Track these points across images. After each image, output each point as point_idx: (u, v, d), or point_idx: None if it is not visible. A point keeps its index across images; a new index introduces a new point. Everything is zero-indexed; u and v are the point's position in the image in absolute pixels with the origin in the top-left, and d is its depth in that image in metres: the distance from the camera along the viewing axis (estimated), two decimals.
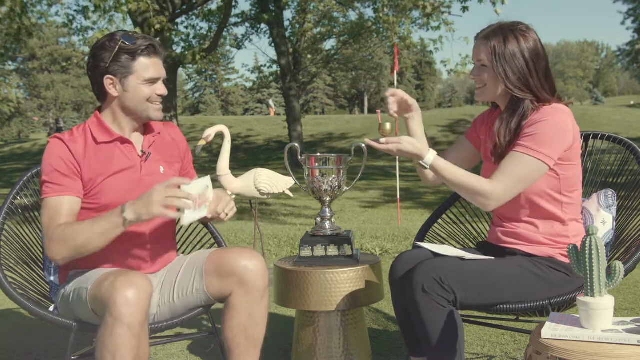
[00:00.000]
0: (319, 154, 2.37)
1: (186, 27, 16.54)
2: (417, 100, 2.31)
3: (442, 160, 2.07)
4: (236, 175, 3.76)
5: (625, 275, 1.74)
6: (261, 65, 20.42)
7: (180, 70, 13.34)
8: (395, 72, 7.29)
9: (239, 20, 17.72)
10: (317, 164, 2.37)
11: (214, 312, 2.27)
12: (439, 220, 2.70)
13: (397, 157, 7.80)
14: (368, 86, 63.23)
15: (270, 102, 39.56)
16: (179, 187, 1.93)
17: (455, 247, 2.48)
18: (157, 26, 10.35)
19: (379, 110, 2.21)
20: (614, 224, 2.39)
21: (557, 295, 2.08)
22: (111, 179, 2.10)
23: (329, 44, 21.09)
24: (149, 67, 2.11)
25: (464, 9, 12.25)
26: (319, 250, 2.35)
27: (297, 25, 18.13)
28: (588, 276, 1.57)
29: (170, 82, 11.78)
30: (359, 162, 2.46)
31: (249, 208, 7.26)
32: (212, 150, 17.55)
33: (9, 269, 2.30)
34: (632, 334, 1.50)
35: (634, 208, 2.40)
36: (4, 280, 2.17)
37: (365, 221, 7.54)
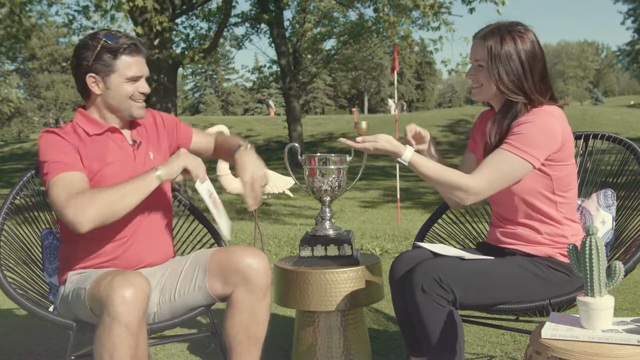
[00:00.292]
0: (319, 154, 2.37)
1: (186, 27, 16.54)
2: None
3: (420, 157, 2.08)
4: (236, 176, 3.76)
5: (625, 275, 1.74)
6: (261, 66, 20.42)
7: (180, 69, 13.33)
8: (395, 72, 7.29)
9: (239, 20, 17.71)
10: (317, 164, 2.37)
11: (214, 312, 2.27)
12: (439, 220, 2.70)
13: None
14: (368, 86, 63.20)
15: (270, 102, 39.57)
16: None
17: (455, 247, 2.48)
18: (158, 26, 10.35)
19: (354, 109, 2.22)
20: (614, 223, 2.40)
21: (557, 295, 2.08)
22: (107, 169, 2.11)
23: (329, 44, 21.10)
24: (131, 65, 2.13)
25: (471, 10, 12.24)
26: (319, 250, 2.35)
27: (297, 25, 18.13)
28: (588, 276, 1.57)
29: (170, 82, 11.77)
30: (359, 162, 2.46)
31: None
32: None
33: (8, 269, 2.30)
34: (632, 334, 1.50)
35: (633, 208, 2.40)
36: (3, 280, 2.17)
37: (365, 221, 7.54)
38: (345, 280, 2.29)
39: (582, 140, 2.64)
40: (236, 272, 2.06)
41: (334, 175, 2.36)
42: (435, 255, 2.14)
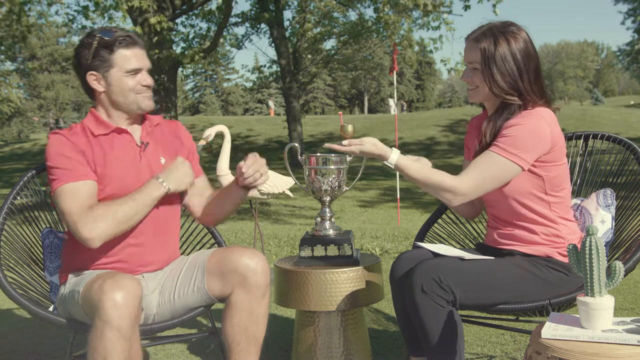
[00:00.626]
0: (319, 154, 2.37)
1: (186, 27, 16.54)
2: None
3: (406, 159, 2.07)
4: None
5: (625, 275, 1.74)
6: (261, 66, 20.41)
7: (180, 69, 13.33)
8: (395, 72, 7.29)
9: (239, 20, 17.71)
10: (317, 164, 2.37)
11: (214, 312, 2.28)
12: (439, 220, 2.70)
13: None
14: (368, 86, 63.20)
15: (270, 103, 39.54)
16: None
17: (455, 247, 2.48)
18: (157, 26, 10.35)
19: (340, 112, 2.21)
20: (613, 223, 2.40)
21: (556, 295, 2.08)
22: (113, 170, 2.10)
23: (329, 44, 21.11)
24: (129, 58, 2.12)
25: (466, 7, 12.23)
26: (319, 250, 2.35)
27: (297, 25, 18.12)
28: (588, 276, 1.57)
29: (171, 82, 11.78)
30: (359, 162, 2.46)
31: (249, 208, 7.25)
32: (212, 150, 17.55)
33: (9, 269, 2.30)
34: (632, 334, 1.50)
35: (633, 208, 2.40)
36: (4, 280, 2.17)
37: (365, 221, 7.54)
38: (345, 280, 2.29)
39: (582, 140, 2.64)
40: (235, 273, 2.06)
41: (334, 175, 2.36)
42: (435, 255, 2.15)
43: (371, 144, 2.06)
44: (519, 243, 2.16)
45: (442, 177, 2.04)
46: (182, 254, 2.51)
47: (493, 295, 2.05)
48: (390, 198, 9.66)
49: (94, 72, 2.12)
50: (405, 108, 48.73)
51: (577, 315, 1.60)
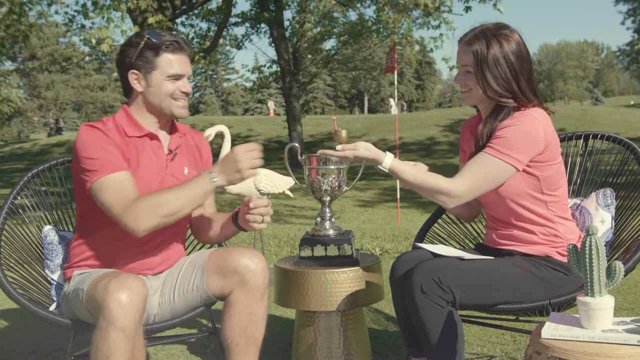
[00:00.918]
0: (318, 153, 2.37)
1: (186, 27, 16.54)
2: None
3: (400, 163, 2.07)
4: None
5: (625, 275, 1.74)
6: (261, 65, 20.42)
7: None
8: (394, 72, 7.29)
9: (239, 20, 17.72)
10: (317, 164, 2.37)
11: (214, 312, 2.28)
12: (439, 220, 2.70)
13: (397, 157, 7.81)
14: (368, 86, 63.20)
15: (270, 103, 39.54)
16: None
17: (455, 247, 2.48)
18: (156, 25, 10.34)
19: (334, 117, 2.21)
20: (613, 223, 2.40)
21: (556, 295, 2.08)
22: (140, 173, 2.10)
23: (329, 44, 21.12)
24: (173, 63, 2.12)
25: (467, 8, 12.23)
26: (319, 250, 2.35)
27: (297, 25, 18.13)
28: (588, 276, 1.57)
29: None
30: (358, 162, 2.46)
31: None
32: (212, 150, 17.54)
33: (9, 269, 2.30)
34: (632, 334, 1.50)
35: (633, 208, 2.40)
36: (4, 280, 2.17)
37: (365, 221, 7.54)
38: (345, 280, 2.29)
39: (582, 140, 2.64)
40: (234, 273, 2.06)
41: (334, 175, 2.36)
42: (435, 255, 2.15)
43: (365, 149, 2.06)
44: (518, 243, 2.16)
45: (436, 180, 2.04)
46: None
47: (493, 295, 2.05)
48: (390, 198, 9.66)
49: (135, 71, 2.12)
50: (405, 108, 48.74)
51: (577, 315, 1.61)
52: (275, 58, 17.53)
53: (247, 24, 18.30)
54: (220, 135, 3.76)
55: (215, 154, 2.37)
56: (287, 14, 57.60)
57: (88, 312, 1.97)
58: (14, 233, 2.41)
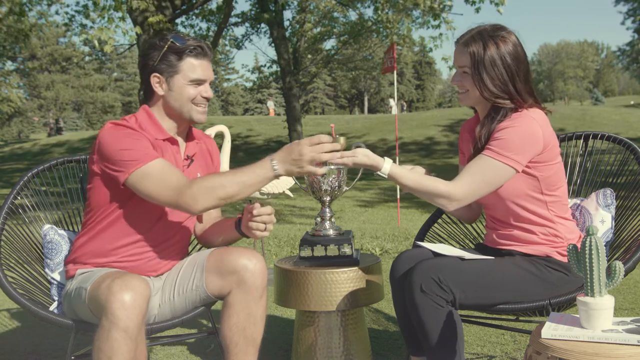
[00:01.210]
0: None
1: (186, 27, 16.54)
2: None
3: (399, 168, 2.08)
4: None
5: (625, 275, 1.74)
6: (261, 65, 20.42)
7: None
8: (395, 71, 7.29)
9: (239, 20, 17.72)
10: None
11: (214, 312, 2.28)
12: (439, 220, 2.70)
13: (397, 157, 7.81)
14: (368, 86, 63.20)
15: (270, 103, 39.50)
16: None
17: (455, 247, 2.48)
18: (156, 26, 10.35)
19: (332, 125, 2.21)
20: (613, 223, 2.40)
21: (556, 295, 2.08)
22: None
23: (329, 44, 21.11)
24: (196, 67, 2.12)
25: (477, 9, 12.24)
26: (319, 250, 2.35)
27: (297, 25, 18.13)
28: (588, 276, 1.57)
29: None
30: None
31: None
32: None
33: (9, 269, 2.30)
34: (632, 334, 1.50)
35: (633, 208, 2.40)
36: (4, 280, 2.17)
37: (365, 221, 7.54)
38: (345, 280, 2.29)
39: (582, 140, 2.64)
40: (232, 273, 2.06)
41: (334, 175, 2.35)
42: (436, 254, 2.15)
43: (363, 155, 2.07)
44: (518, 243, 2.16)
45: (435, 184, 2.04)
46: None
47: (493, 295, 2.05)
48: (390, 198, 9.66)
49: (158, 75, 2.12)
50: (405, 108, 48.74)
51: (577, 315, 1.60)
52: (275, 58, 17.54)
53: (247, 24, 18.32)
54: (220, 135, 3.76)
55: None
56: (287, 14, 57.59)
57: (90, 312, 1.97)
58: (14, 233, 2.41)
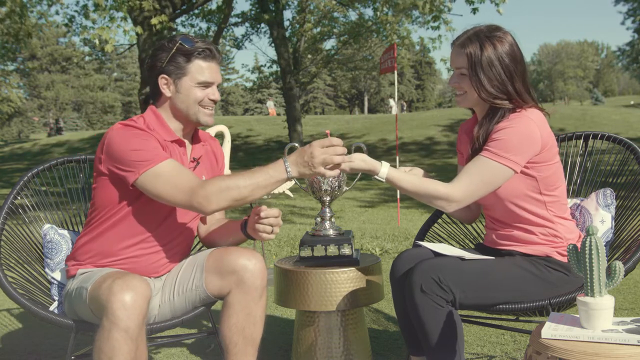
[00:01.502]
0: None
1: (186, 27, 16.54)
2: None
3: (397, 171, 2.08)
4: None
5: (625, 275, 1.74)
6: (261, 65, 20.42)
7: None
8: (395, 72, 7.29)
9: (239, 20, 17.73)
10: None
11: (214, 312, 2.28)
12: (439, 220, 2.70)
13: (397, 157, 7.81)
14: (368, 86, 63.20)
15: (270, 103, 39.44)
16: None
17: (455, 247, 2.48)
18: (159, 26, 10.34)
19: (328, 131, 2.20)
20: (613, 223, 2.40)
21: (556, 295, 2.08)
22: None
23: (329, 44, 21.12)
24: (204, 70, 2.12)
25: (474, 10, 12.25)
26: (319, 250, 2.35)
27: (297, 25, 18.13)
28: (588, 276, 1.57)
29: None
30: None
31: (249, 208, 7.25)
32: None
33: (9, 269, 2.30)
34: (632, 334, 1.50)
35: (633, 208, 2.40)
36: (4, 280, 2.17)
37: (365, 221, 7.54)
38: (345, 280, 2.29)
39: (582, 140, 2.64)
40: (232, 273, 2.06)
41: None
42: (436, 254, 2.15)
43: (360, 160, 2.07)
44: (518, 243, 2.16)
45: (434, 186, 2.04)
46: None
47: (493, 295, 2.05)
48: (390, 198, 9.66)
49: (165, 76, 2.12)
50: (405, 108, 48.74)
51: (577, 315, 1.60)
52: (275, 58, 17.55)
53: (247, 24, 18.32)
54: (220, 135, 3.76)
55: None
56: (287, 14, 57.63)
57: (91, 312, 1.97)
58: (14, 233, 2.41)
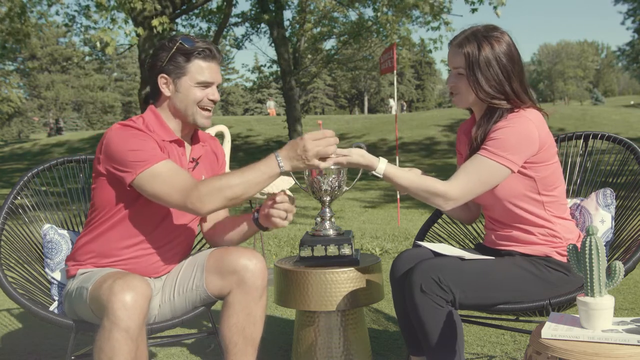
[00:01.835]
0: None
1: (186, 27, 16.54)
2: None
3: (394, 168, 2.07)
4: None
5: (625, 275, 1.74)
6: (261, 65, 20.42)
7: None
8: (395, 72, 7.28)
9: (239, 20, 17.73)
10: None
11: (214, 312, 2.28)
12: (439, 220, 2.70)
13: (397, 157, 7.81)
14: (368, 86, 63.20)
15: (271, 103, 39.40)
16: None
17: (455, 247, 2.48)
18: (159, 27, 10.34)
19: (320, 122, 2.20)
20: (613, 223, 2.40)
21: (556, 295, 2.08)
22: None
23: (329, 44, 21.13)
24: (203, 70, 2.12)
25: (473, 10, 12.27)
26: (319, 250, 2.35)
27: (297, 25, 18.14)
28: (588, 276, 1.57)
29: None
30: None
31: (249, 208, 7.25)
32: None
33: (9, 269, 2.30)
34: (632, 334, 1.50)
35: (633, 208, 2.40)
36: (4, 280, 2.17)
37: (365, 221, 7.54)
38: (345, 280, 2.29)
39: (582, 140, 2.64)
40: (232, 273, 2.06)
41: (334, 175, 2.35)
42: (436, 254, 2.15)
43: (359, 155, 2.07)
44: (517, 244, 2.16)
45: (431, 183, 2.04)
46: None
47: (493, 295, 2.05)
48: (390, 198, 9.66)
49: (165, 76, 2.12)
50: (405, 108, 48.73)
51: (577, 315, 1.60)
52: (275, 58, 17.54)
53: (247, 24, 18.32)
54: (220, 135, 3.76)
55: None
56: (287, 14, 57.60)
57: (91, 312, 1.97)
58: (14, 233, 2.41)
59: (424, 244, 2.23)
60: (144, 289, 1.82)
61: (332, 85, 58.74)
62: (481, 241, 2.49)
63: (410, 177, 2.06)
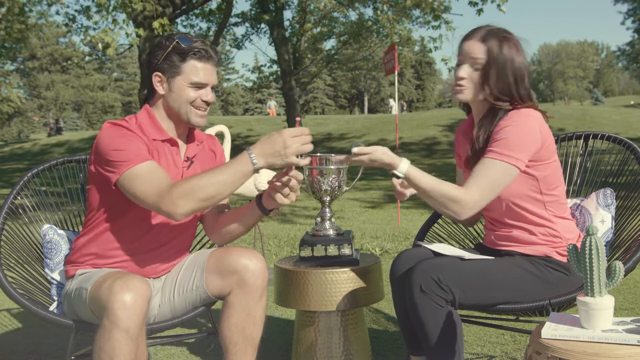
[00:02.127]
0: (319, 154, 2.37)
1: (186, 27, 16.54)
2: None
3: (417, 169, 2.04)
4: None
5: (625, 275, 1.74)
6: (261, 65, 20.43)
7: None
8: (395, 71, 7.29)
9: (239, 20, 17.73)
10: (317, 164, 2.37)
11: (214, 312, 2.27)
12: (439, 220, 2.70)
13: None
14: (368, 86, 63.20)
15: (272, 103, 39.35)
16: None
17: (455, 247, 2.48)
18: (160, 29, 10.34)
19: (298, 118, 2.20)
20: (613, 223, 2.40)
21: (556, 295, 2.08)
22: None
23: (329, 44, 21.13)
24: (198, 70, 2.10)
25: (479, 11, 12.27)
26: (319, 250, 2.35)
27: (297, 25, 18.14)
28: (588, 276, 1.57)
29: None
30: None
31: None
32: None
33: (9, 269, 2.30)
34: (632, 334, 1.50)
35: (633, 208, 2.40)
36: (4, 280, 2.17)
37: (365, 221, 7.54)
38: (345, 280, 2.29)
39: (582, 140, 2.64)
40: (233, 273, 2.06)
41: (334, 175, 2.35)
42: (436, 254, 2.14)
43: (382, 152, 2.02)
44: (517, 244, 2.16)
45: (451, 190, 2.00)
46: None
47: (493, 295, 2.05)
48: (390, 198, 9.66)
49: (159, 74, 2.11)
50: (405, 108, 48.72)
51: (577, 315, 1.60)
52: (275, 58, 17.54)
53: (247, 24, 18.32)
54: (220, 135, 3.77)
55: None
56: (287, 14, 57.61)
57: (91, 312, 1.97)
58: (14, 233, 2.41)
59: (424, 243, 2.23)
60: (143, 289, 1.82)
61: (332, 85, 58.77)
62: (481, 241, 2.48)
63: (431, 180, 2.03)
